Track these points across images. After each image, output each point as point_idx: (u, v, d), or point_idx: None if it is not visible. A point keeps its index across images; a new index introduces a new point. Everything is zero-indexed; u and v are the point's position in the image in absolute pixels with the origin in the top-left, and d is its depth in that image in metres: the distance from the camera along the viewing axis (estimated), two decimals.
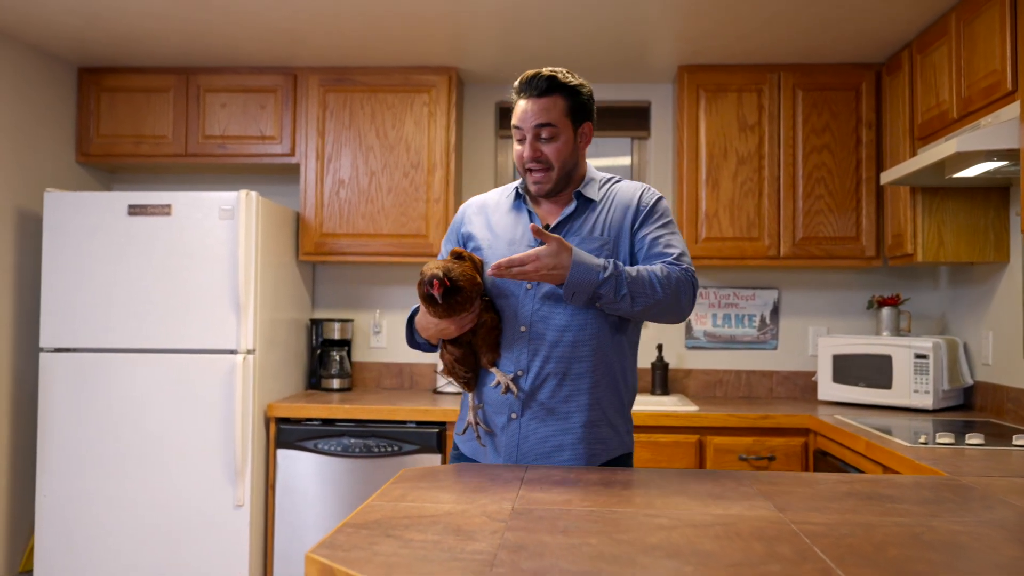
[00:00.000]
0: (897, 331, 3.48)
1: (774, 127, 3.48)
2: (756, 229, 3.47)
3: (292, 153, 3.64)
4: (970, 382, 3.25)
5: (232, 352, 3.18)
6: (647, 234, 1.87)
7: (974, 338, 3.30)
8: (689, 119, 3.51)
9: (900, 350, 3.19)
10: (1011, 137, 2.38)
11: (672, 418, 3.10)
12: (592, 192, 1.92)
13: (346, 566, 1.11)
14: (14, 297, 3.35)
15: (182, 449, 3.15)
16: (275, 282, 3.43)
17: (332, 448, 3.21)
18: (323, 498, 3.22)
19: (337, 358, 3.74)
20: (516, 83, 1.88)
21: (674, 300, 1.78)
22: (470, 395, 1.93)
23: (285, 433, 3.25)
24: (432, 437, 3.19)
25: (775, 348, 3.78)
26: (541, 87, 1.84)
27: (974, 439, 2.36)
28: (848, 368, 3.37)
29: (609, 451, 1.88)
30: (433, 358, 3.84)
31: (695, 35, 3.21)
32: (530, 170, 1.88)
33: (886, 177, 3.02)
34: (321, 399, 3.43)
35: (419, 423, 3.21)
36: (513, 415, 1.86)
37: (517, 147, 1.90)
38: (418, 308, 1.88)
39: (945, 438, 2.37)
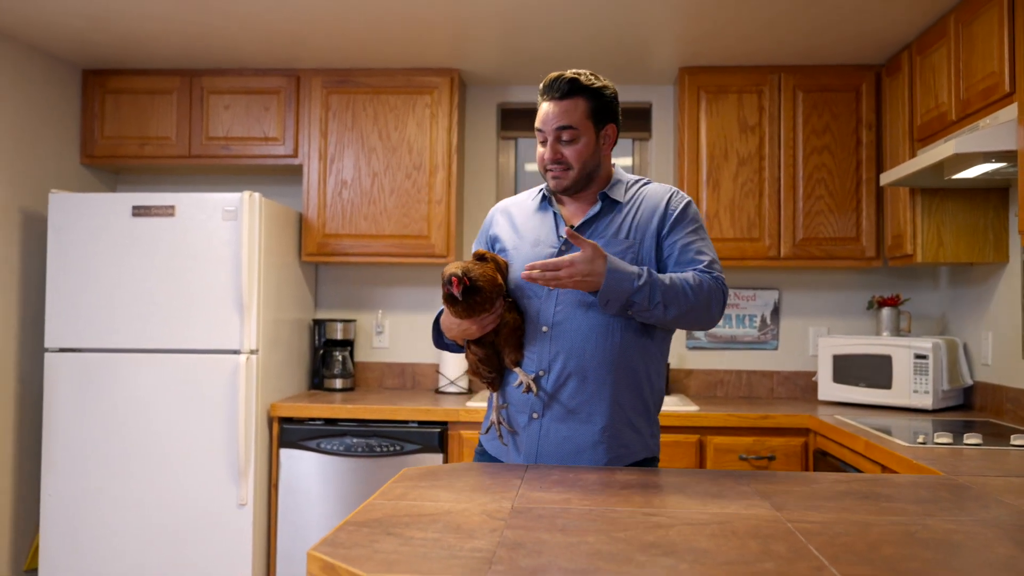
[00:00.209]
0: (897, 331, 3.49)
1: (774, 128, 3.49)
2: (757, 230, 3.48)
3: (295, 154, 3.66)
4: (970, 382, 3.26)
5: (235, 352, 3.20)
6: (677, 240, 1.86)
7: (974, 338, 3.31)
8: (690, 120, 3.52)
9: (900, 350, 3.20)
10: (1009, 139, 2.38)
11: (673, 418, 3.11)
12: (618, 194, 1.91)
13: (347, 563, 1.12)
14: (19, 298, 3.37)
15: (186, 448, 3.17)
16: (278, 282, 3.45)
17: (335, 448, 3.23)
18: (326, 497, 3.24)
19: (340, 358, 3.76)
20: (541, 85, 1.88)
21: (705, 308, 1.78)
22: (495, 395, 1.93)
23: (288, 433, 3.27)
24: (434, 437, 3.21)
25: (775, 348, 3.79)
26: (563, 89, 1.83)
27: (972, 439, 2.37)
28: (848, 368, 3.39)
29: (632, 454, 1.86)
30: (434, 358, 3.86)
31: (696, 37, 3.22)
32: (550, 171, 1.89)
33: (886, 178, 3.03)
34: (324, 399, 3.44)
35: (421, 423, 3.23)
36: (534, 415, 1.86)
37: (540, 149, 1.90)
38: (443, 309, 1.89)
39: (943, 438, 2.39)
